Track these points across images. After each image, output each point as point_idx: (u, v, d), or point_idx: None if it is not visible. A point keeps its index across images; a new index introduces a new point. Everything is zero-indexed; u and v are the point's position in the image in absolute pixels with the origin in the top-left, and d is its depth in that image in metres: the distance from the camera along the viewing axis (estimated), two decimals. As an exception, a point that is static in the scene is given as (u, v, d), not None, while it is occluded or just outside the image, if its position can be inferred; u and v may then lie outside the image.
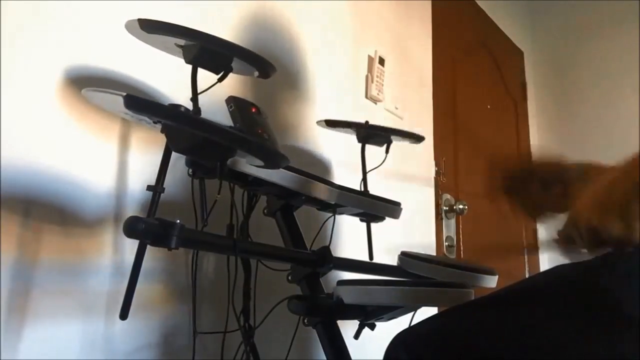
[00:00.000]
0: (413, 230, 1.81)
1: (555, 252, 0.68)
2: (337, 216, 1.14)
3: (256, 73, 0.90)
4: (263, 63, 0.87)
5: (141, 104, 0.68)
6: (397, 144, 1.24)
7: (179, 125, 0.73)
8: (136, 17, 0.79)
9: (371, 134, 1.19)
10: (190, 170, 0.88)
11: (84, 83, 0.94)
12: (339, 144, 1.49)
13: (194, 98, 0.83)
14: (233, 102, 0.87)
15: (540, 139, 2.90)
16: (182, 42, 0.82)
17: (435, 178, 2.00)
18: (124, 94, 0.65)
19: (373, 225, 1.22)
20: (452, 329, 0.71)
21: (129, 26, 0.81)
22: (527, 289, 0.74)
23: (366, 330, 1.01)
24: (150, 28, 0.79)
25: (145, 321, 0.98)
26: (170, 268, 1.04)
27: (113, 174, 0.98)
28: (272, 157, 0.81)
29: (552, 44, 3.01)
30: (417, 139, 1.22)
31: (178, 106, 0.75)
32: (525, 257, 2.56)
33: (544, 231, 2.66)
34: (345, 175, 1.45)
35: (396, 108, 1.82)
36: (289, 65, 1.43)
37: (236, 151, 0.78)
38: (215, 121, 0.72)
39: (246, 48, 0.85)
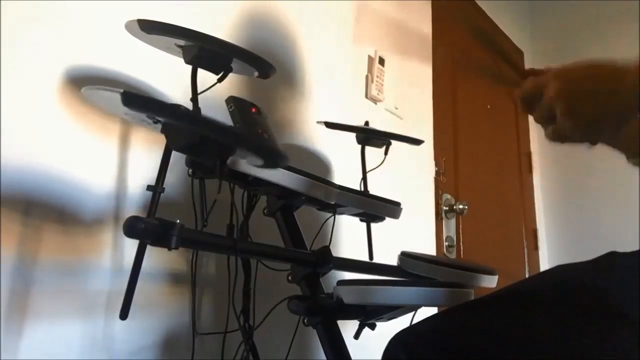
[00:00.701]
0: (413, 230, 1.81)
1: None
2: (337, 216, 1.14)
3: (256, 73, 0.90)
4: (262, 63, 0.87)
5: (139, 101, 0.68)
6: (397, 145, 1.24)
7: (178, 123, 0.73)
8: (136, 18, 0.79)
9: (370, 137, 1.20)
10: (190, 170, 0.88)
11: (84, 83, 0.94)
12: (338, 144, 1.49)
13: (194, 98, 0.83)
14: (233, 102, 0.87)
15: (540, 139, 2.90)
16: (182, 42, 0.82)
17: (435, 178, 2.00)
18: (122, 90, 0.65)
19: (373, 225, 1.22)
20: (451, 329, 0.71)
21: (128, 26, 0.81)
22: (527, 289, 0.74)
23: (366, 330, 1.01)
24: (149, 28, 0.79)
25: (145, 321, 0.98)
26: (170, 268, 1.04)
27: (113, 174, 0.98)
28: (272, 156, 0.81)
29: (552, 44, 3.01)
30: (415, 142, 1.22)
31: (178, 105, 0.75)
32: (525, 257, 2.56)
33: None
34: (345, 175, 1.45)
35: (396, 108, 1.82)
36: (289, 65, 1.43)
37: (236, 150, 0.77)
38: (214, 118, 0.72)
39: (245, 49, 0.85)
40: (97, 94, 0.77)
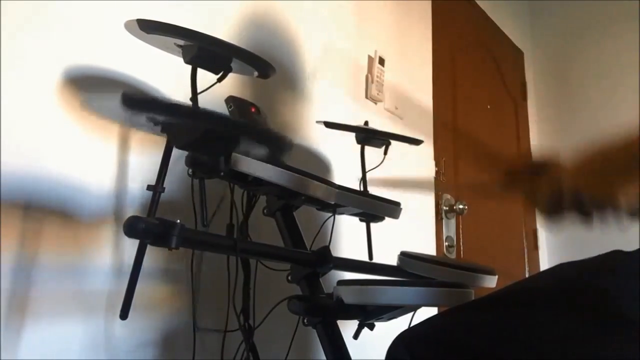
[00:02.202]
0: (413, 230, 1.81)
1: (543, 220, 0.67)
2: (337, 216, 1.14)
3: (255, 73, 0.90)
4: (262, 63, 0.87)
5: (139, 101, 0.68)
6: (397, 145, 1.24)
7: (180, 119, 0.73)
8: (135, 18, 0.79)
9: (370, 137, 1.20)
10: (190, 170, 0.88)
11: (84, 83, 0.94)
12: (338, 144, 1.49)
13: (194, 98, 0.83)
14: (232, 102, 0.88)
15: (540, 139, 2.90)
16: (181, 42, 0.82)
17: (435, 178, 2.00)
18: (120, 92, 0.65)
19: (373, 225, 1.22)
20: (453, 329, 0.71)
21: (128, 26, 0.81)
22: (527, 289, 0.74)
23: (366, 330, 1.01)
24: (148, 28, 0.79)
25: (145, 321, 0.98)
26: (170, 268, 1.04)
27: (113, 174, 0.98)
28: (277, 142, 0.80)
29: (552, 44, 3.01)
30: (415, 142, 1.22)
31: (178, 103, 0.75)
32: (525, 257, 2.56)
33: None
34: (345, 175, 1.45)
35: (396, 108, 1.82)
36: (289, 65, 1.43)
37: (239, 141, 0.77)
38: (215, 110, 0.71)
39: (244, 48, 0.85)
40: (99, 102, 0.77)
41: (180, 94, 1.07)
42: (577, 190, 0.61)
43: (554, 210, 0.65)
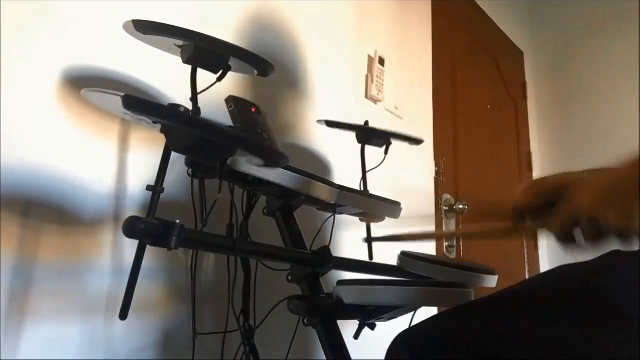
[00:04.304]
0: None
1: (556, 248, 0.67)
2: (337, 216, 1.14)
3: (255, 72, 0.90)
4: (260, 61, 0.87)
5: (140, 104, 0.68)
6: (397, 144, 1.24)
7: (178, 125, 0.73)
8: (134, 18, 0.79)
9: (371, 136, 1.20)
10: (190, 171, 0.88)
11: (84, 83, 0.94)
12: (339, 143, 1.49)
13: (194, 98, 0.83)
14: (233, 102, 0.87)
15: (540, 139, 2.90)
16: (180, 42, 0.82)
17: (435, 178, 2.00)
18: (123, 94, 0.65)
19: (373, 225, 1.22)
20: (454, 329, 0.71)
21: (126, 27, 0.81)
22: (529, 290, 0.74)
23: (366, 330, 1.01)
24: (144, 29, 0.79)
25: (145, 321, 0.98)
26: (170, 268, 1.04)
27: (113, 174, 0.98)
28: (272, 157, 0.81)
29: (552, 44, 3.01)
30: (415, 142, 1.22)
31: (177, 106, 0.75)
32: (525, 257, 2.56)
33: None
34: (345, 175, 1.45)
35: (396, 108, 1.82)
36: (289, 65, 1.43)
37: (236, 151, 0.78)
38: (214, 121, 0.72)
39: (241, 47, 0.85)
40: (97, 96, 0.77)
41: (181, 93, 1.07)
42: (595, 220, 0.61)
43: (571, 239, 0.66)
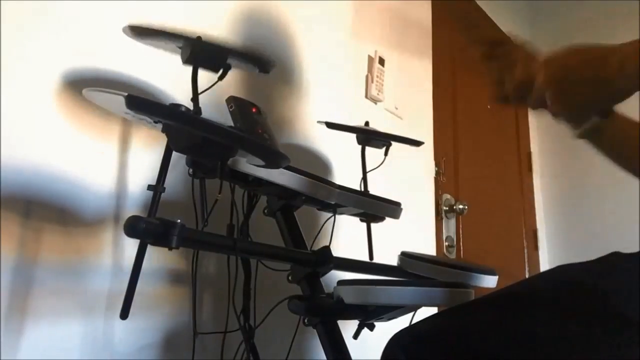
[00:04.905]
0: (413, 230, 1.81)
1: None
2: (337, 216, 1.14)
3: (256, 69, 0.90)
4: (259, 58, 0.87)
5: (142, 103, 0.68)
6: (397, 145, 1.24)
7: (179, 125, 0.73)
8: (134, 20, 0.79)
9: (371, 138, 1.20)
10: (191, 170, 0.88)
11: (84, 83, 0.94)
12: (338, 144, 1.49)
13: (195, 98, 0.83)
14: (233, 102, 0.88)
15: (540, 139, 2.90)
16: (179, 43, 0.82)
17: (435, 178, 2.00)
18: (125, 94, 0.65)
19: (373, 225, 1.22)
20: (450, 329, 0.71)
21: (125, 31, 0.81)
22: (527, 290, 0.74)
23: (366, 330, 1.01)
24: (139, 33, 0.79)
25: (145, 321, 0.98)
26: (171, 268, 1.04)
27: (113, 174, 0.98)
28: (273, 157, 0.81)
29: (552, 44, 3.00)
30: (415, 143, 1.22)
31: (178, 106, 0.75)
32: (525, 257, 2.56)
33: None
34: (345, 175, 1.45)
35: (396, 108, 1.82)
36: (289, 65, 1.43)
37: (237, 151, 0.78)
38: (215, 121, 0.72)
39: (239, 46, 0.85)
40: (99, 96, 0.77)
41: (182, 93, 1.07)
42: (544, 90, 0.66)
43: (516, 97, 0.70)
